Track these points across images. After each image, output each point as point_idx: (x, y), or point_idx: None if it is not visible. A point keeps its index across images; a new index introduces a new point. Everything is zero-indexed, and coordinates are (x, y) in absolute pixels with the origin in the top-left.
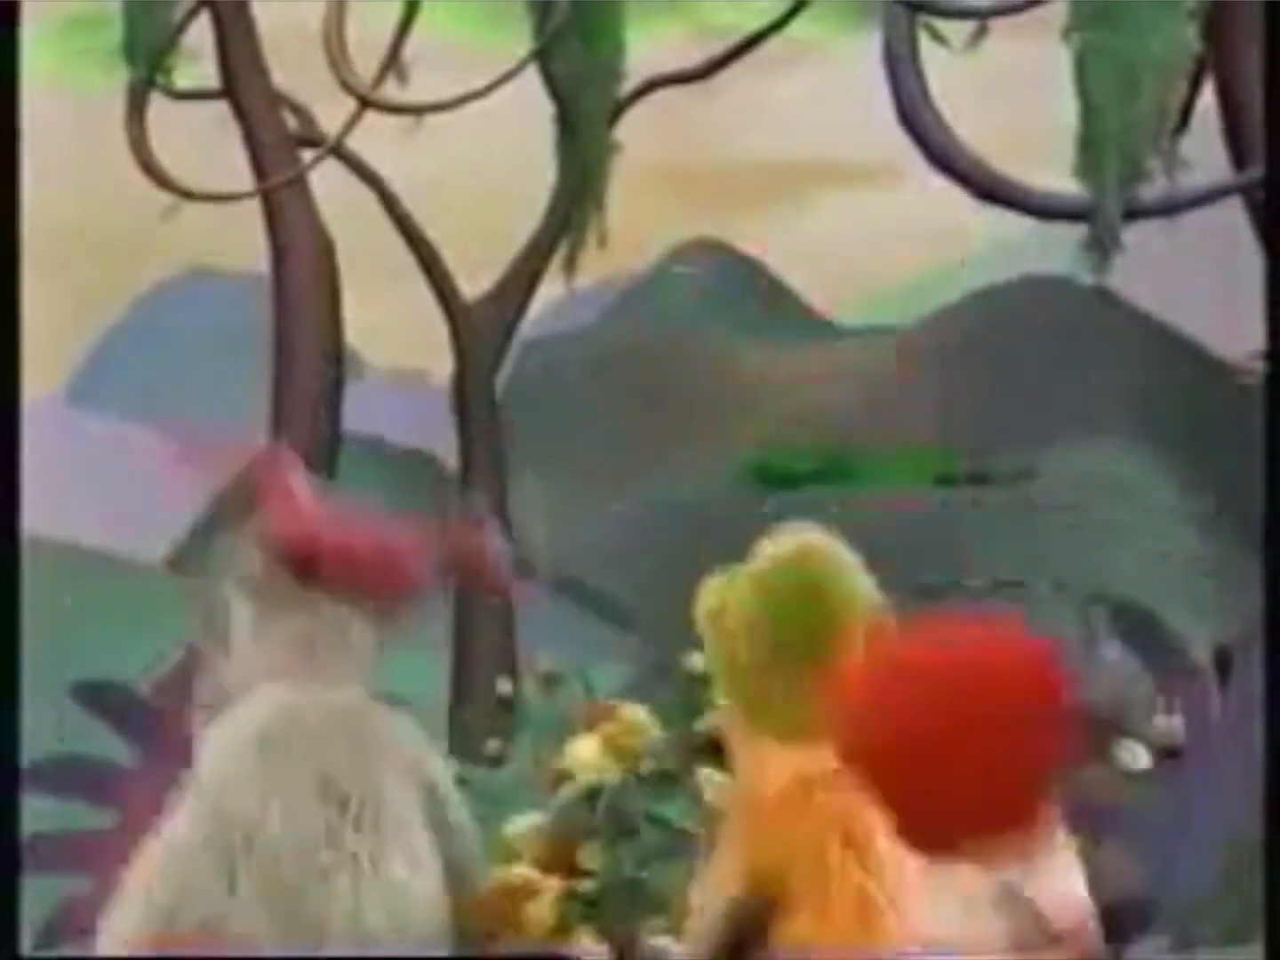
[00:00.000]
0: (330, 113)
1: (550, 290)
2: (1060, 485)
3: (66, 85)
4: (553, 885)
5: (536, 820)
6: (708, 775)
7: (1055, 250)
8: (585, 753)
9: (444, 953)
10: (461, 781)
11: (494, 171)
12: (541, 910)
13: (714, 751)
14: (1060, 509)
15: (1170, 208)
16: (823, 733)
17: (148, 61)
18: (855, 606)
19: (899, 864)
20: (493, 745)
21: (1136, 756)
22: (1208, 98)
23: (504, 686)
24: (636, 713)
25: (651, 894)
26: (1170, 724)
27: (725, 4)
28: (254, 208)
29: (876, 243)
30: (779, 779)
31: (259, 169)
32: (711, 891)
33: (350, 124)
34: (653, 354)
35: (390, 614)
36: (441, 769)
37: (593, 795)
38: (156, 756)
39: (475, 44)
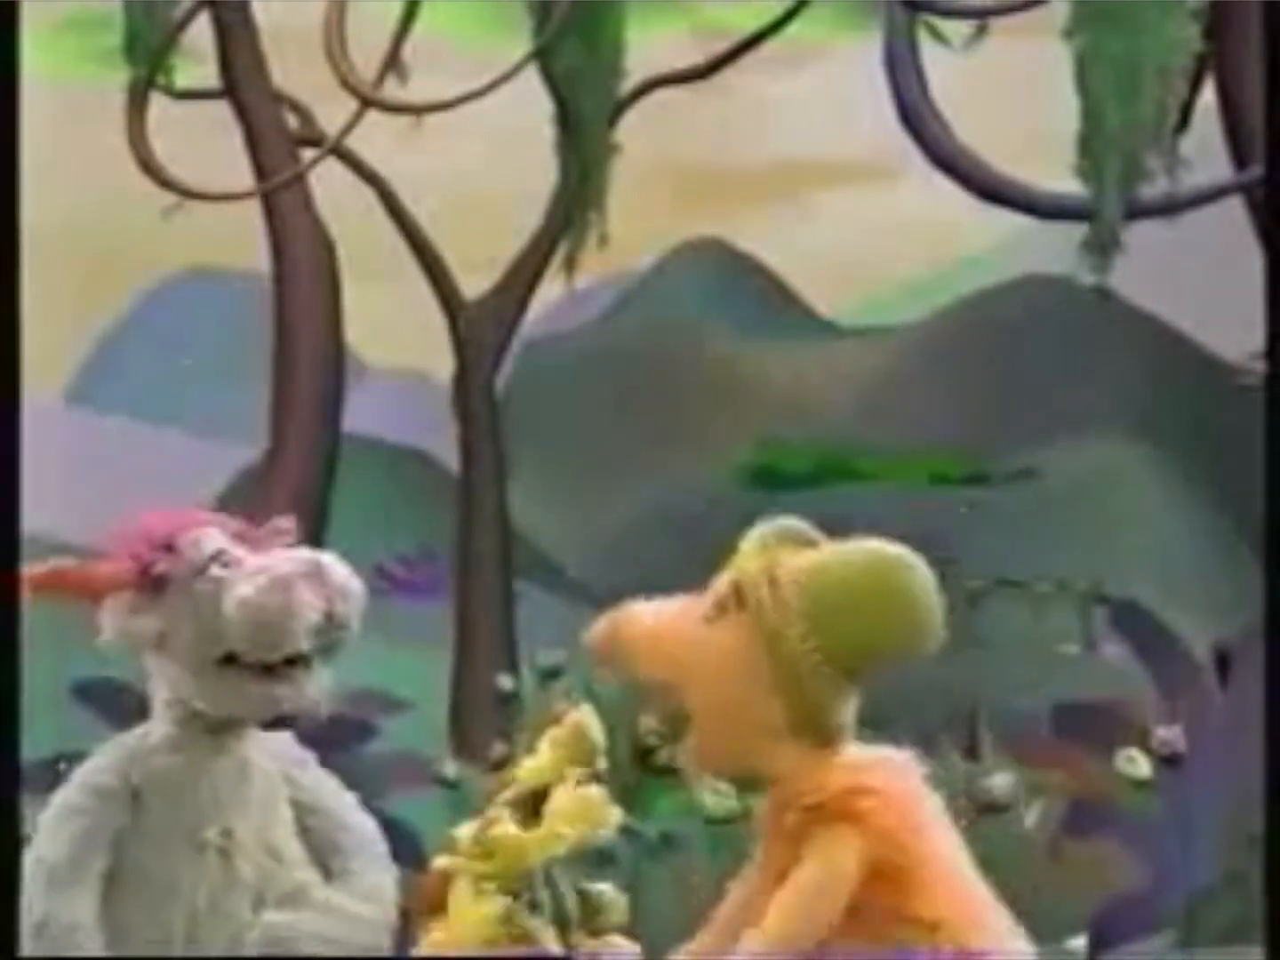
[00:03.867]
0: (330, 113)
1: (550, 290)
2: (1060, 485)
3: (66, 85)
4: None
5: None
6: (712, 782)
7: (1055, 250)
8: (537, 758)
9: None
10: (462, 784)
11: (494, 171)
12: (480, 903)
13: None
14: (1060, 509)
15: (1170, 208)
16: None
17: (148, 61)
18: (923, 630)
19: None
20: (495, 750)
21: (1137, 764)
22: (1208, 98)
23: (504, 682)
24: (585, 716)
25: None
26: (1171, 733)
27: (725, 4)
28: (254, 208)
29: (876, 243)
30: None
31: (259, 169)
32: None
33: (350, 124)
34: (653, 354)
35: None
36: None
37: (534, 799)
38: None
39: (475, 44)
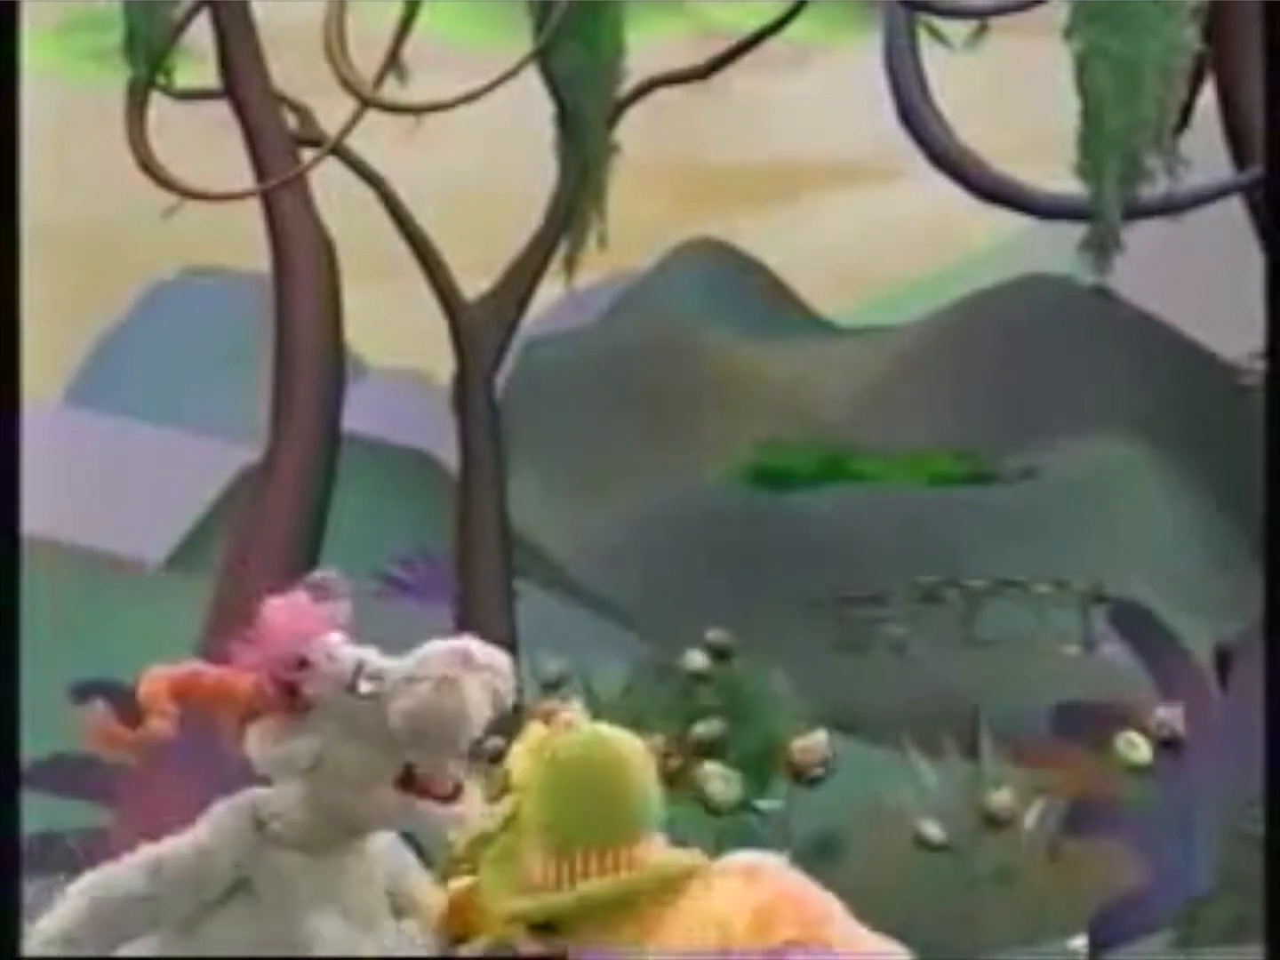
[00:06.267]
0: (330, 113)
1: (550, 290)
2: (1060, 485)
3: (66, 85)
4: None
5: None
6: (714, 771)
7: (1056, 250)
8: (520, 760)
9: None
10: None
11: (494, 171)
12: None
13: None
14: (1060, 508)
15: (1170, 208)
16: None
17: (148, 61)
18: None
19: None
20: (491, 743)
21: (1138, 748)
22: (1208, 98)
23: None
24: (572, 714)
25: None
26: (1171, 714)
27: (725, 4)
28: (254, 208)
29: (876, 243)
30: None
31: (259, 169)
32: None
33: (350, 124)
34: (653, 354)
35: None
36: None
37: None
38: (156, 757)
39: (475, 44)
